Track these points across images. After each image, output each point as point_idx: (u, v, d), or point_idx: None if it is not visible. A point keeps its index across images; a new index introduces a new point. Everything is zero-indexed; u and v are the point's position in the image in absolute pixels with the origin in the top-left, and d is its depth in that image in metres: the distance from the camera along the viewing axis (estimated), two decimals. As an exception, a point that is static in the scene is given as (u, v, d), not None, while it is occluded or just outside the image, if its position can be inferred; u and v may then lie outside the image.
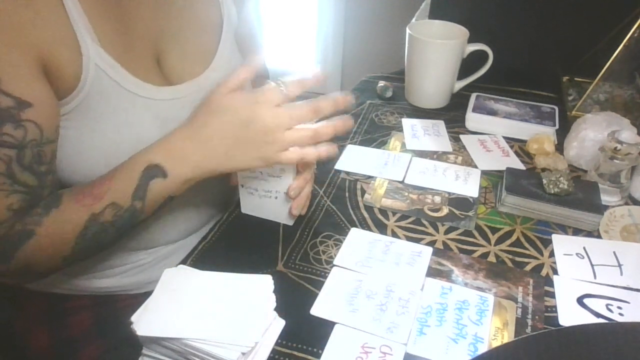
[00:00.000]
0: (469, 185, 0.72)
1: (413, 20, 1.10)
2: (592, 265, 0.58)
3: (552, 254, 0.60)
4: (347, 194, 0.70)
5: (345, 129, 0.55)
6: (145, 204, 0.52)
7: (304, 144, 0.53)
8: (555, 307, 0.53)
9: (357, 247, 0.60)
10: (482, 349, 0.48)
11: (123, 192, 0.51)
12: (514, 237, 0.63)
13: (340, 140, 0.83)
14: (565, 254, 0.60)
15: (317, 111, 0.53)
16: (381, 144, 0.82)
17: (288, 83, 0.52)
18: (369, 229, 0.64)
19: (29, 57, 0.46)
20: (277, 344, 0.49)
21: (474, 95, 0.91)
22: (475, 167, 0.77)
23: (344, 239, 0.62)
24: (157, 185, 0.51)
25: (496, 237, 0.63)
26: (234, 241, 0.62)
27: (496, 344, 0.49)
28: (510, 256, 0.60)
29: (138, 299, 0.50)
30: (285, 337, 0.50)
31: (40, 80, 0.48)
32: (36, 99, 0.48)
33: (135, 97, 0.54)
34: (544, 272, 0.58)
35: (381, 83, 0.98)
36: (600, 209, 0.64)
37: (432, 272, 0.57)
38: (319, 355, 0.48)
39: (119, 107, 0.54)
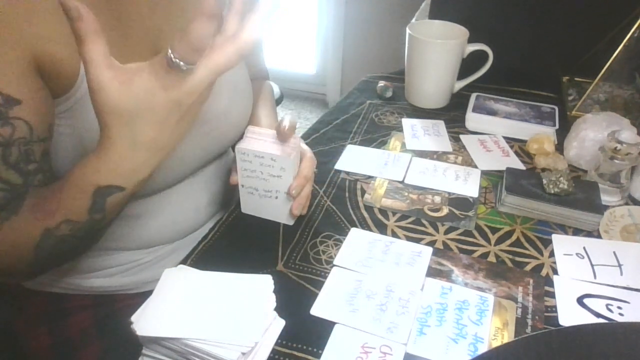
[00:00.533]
0: (469, 185, 0.72)
1: (413, 20, 1.10)
2: (592, 265, 0.58)
3: (552, 254, 0.60)
4: (347, 194, 0.70)
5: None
6: (105, 215, 0.49)
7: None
8: (555, 307, 0.53)
9: (357, 247, 0.60)
10: (482, 349, 0.48)
11: (76, 210, 0.47)
12: (514, 237, 0.63)
13: (340, 140, 0.83)
14: (565, 254, 0.60)
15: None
16: (381, 144, 0.82)
17: (177, 48, 0.40)
18: (369, 229, 0.64)
19: (21, 54, 0.46)
20: (277, 344, 0.49)
21: (474, 95, 0.91)
22: (475, 167, 0.77)
23: (344, 239, 0.62)
24: (116, 197, 0.48)
25: (496, 237, 0.63)
26: (234, 241, 0.62)
27: (496, 344, 0.49)
28: (510, 256, 0.60)
29: (138, 298, 0.49)
30: (285, 337, 0.50)
31: (33, 78, 0.47)
32: (26, 97, 0.47)
33: None
34: (544, 272, 0.58)
35: (381, 83, 0.98)
36: (600, 209, 0.64)
37: (432, 272, 0.57)
38: (319, 355, 0.48)
39: None
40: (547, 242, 0.62)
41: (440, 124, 0.88)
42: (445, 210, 0.67)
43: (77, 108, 0.52)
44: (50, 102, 0.50)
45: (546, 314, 0.52)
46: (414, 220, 0.66)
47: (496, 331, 0.50)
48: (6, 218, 0.48)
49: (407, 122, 0.88)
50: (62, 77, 0.49)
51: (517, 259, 0.60)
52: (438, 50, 0.87)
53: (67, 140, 0.53)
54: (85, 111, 0.52)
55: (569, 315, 0.52)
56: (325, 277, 0.56)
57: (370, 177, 0.74)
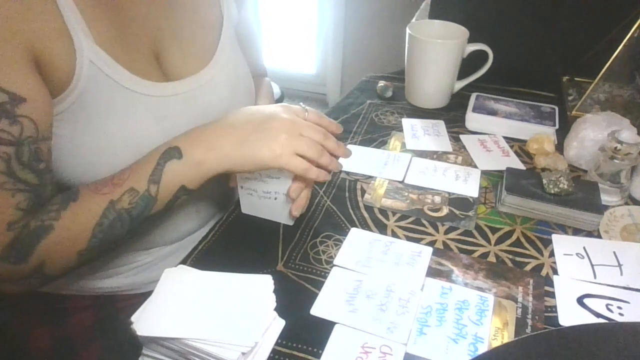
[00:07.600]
0: (469, 185, 0.72)
1: (413, 20, 1.10)
2: (592, 265, 0.58)
3: (552, 254, 0.60)
4: (347, 194, 0.70)
5: (345, 155, 0.61)
6: (159, 189, 0.52)
7: (312, 154, 0.55)
8: (555, 307, 0.53)
9: (357, 247, 0.60)
10: (482, 349, 0.48)
11: (141, 176, 0.52)
12: (514, 237, 0.63)
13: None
14: (565, 254, 0.60)
15: (326, 137, 0.58)
16: (381, 144, 0.82)
17: (310, 110, 0.59)
18: (369, 229, 0.64)
19: (20, 51, 0.45)
20: (277, 344, 0.49)
21: (474, 95, 0.91)
22: (475, 167, 0.77)
23: (344, 239, 0.62)
24: (172, 167, 0.52)
25: (496, 237, 0.63)
26: (234, 241, 0.62)
27: (496, 344, 0.49)
28: (510, 256, 0.60)
29: (138, 299, 0.49)
30: (285, 337, 0.50)
31: (33, 75, 0.47)
32: (30, 94, 0.46)
33: (132, 94, 0.54)
34: (544, 272, 0.58)
35: (381, 83, 0.98)
36: (600, 209, 0.64)
37: (432, 272, 0.57)
38: (319, 355, 0.48)
39: (115, 104, 0.53)
40: (547, 242, 0.62)
41: (440, 124, 0.88)
42: (445, 210, 0.67)
43: (75, 109, 0.52)
44: (50, 101, 0.50)
45: (546, 314, 0.52)
46: (414, 220, 0.66)
47: (496, 331, 0.50)
48: (64, 207, 0.50)
49: (407, 122, 0.88)
50: (58, 74, 0.49)
51: (517, 259, 0.60)
52: (438, 50, 0.87)
53: (66, 143, 0.53)
54: (82, 112, 0.52)
55: (569, 315, 0.52)
56: (325, 277, 0.56)
57: (370, 177, 0.74)
